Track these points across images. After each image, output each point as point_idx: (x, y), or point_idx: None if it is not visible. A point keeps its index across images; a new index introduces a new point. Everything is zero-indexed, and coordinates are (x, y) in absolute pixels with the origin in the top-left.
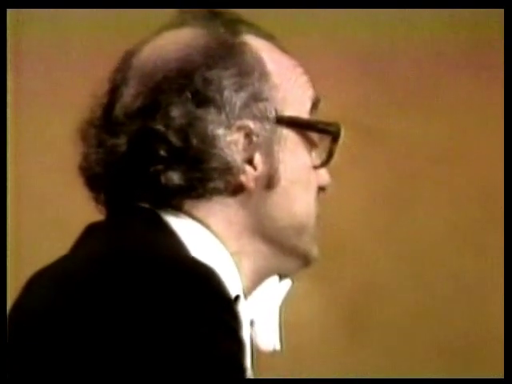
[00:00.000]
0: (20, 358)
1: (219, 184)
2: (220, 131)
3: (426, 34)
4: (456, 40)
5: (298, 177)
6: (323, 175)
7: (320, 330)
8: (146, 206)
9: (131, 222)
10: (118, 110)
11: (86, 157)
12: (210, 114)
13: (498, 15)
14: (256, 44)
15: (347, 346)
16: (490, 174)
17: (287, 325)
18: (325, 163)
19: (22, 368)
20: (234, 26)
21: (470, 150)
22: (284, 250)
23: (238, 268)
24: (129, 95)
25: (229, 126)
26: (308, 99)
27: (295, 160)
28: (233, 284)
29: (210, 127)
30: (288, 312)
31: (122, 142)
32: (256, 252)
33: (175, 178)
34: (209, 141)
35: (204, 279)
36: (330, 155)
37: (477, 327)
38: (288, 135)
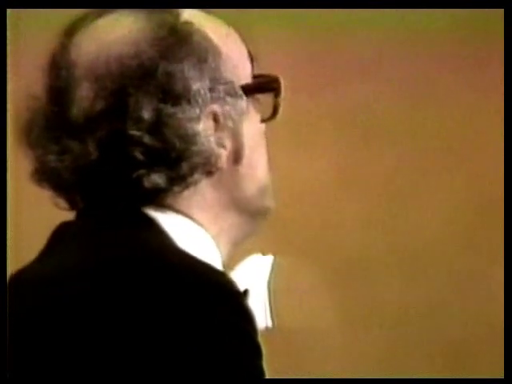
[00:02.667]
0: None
1: (200, 175)
2: (200, 126)
3: (425, 34)
4: (456, 40)
5: (256, 142)
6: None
7: (310, 305)
8: (128, 204)
9: (120, 222)
10: (76, 114)
11: (44, 162)
12: (184, 110)
13: (498, 15)
14: (196, 20)
15: (338, 320)
16: (489, 171)
17: (278, 302)
18: (272, 117)
19: (21, 368)
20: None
21: (468, 148)
22: (252, 214)
23: (218, 247)
24: (85, 97)
25: (202, 117)
26: (247, 60)
27: (252, 127)
28: (216, 265)
29: (188, 124)
30: (277, 290)
31: (91, 148)
32: (230, 226)
33: (159, 180)
34: (189, 139)
35: (227, 291)
36: (276, 109)
37: (477, 327)
38: (244, 105)
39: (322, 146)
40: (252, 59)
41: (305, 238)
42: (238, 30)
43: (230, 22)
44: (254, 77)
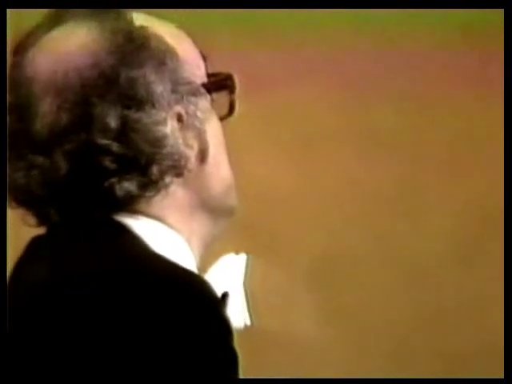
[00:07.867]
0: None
1: (171, 178)
2: (167, 129)
3: (425, 35)
4: (456, 40)
5: (218, 140)
6: None
7: (286, 303)
8: (100, 213)
9: (93, 232)
10: (40, 129)
11: (12, 180)
12: (149, 114)
13: (498, 15)
14: (150, 23)
15: (316, 320)
16: (490, 183)
17: (253, 301)
18: (229, 115)
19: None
20: (117, 10)
21: (468, 156)
22: (219, 213)
23: (191, 249)
24: (48, 112)
25: (168, 120)
26: (200, 60)
27: (213, 125)
28: (191, 268)
29: (155, 128)
30: (252, 291)
31: (59, 161)
32: (200, 227)
33: (131, 187)
34: (158, 142)
35: (203, 299)
36: (232, 107)
37: (477, 329)
38: (203, 103)
39: (305, 150)
40: (204, 59)
41: (280, 239)
42: (187, 31)
43: (180, 22)
44: (208, 76)
